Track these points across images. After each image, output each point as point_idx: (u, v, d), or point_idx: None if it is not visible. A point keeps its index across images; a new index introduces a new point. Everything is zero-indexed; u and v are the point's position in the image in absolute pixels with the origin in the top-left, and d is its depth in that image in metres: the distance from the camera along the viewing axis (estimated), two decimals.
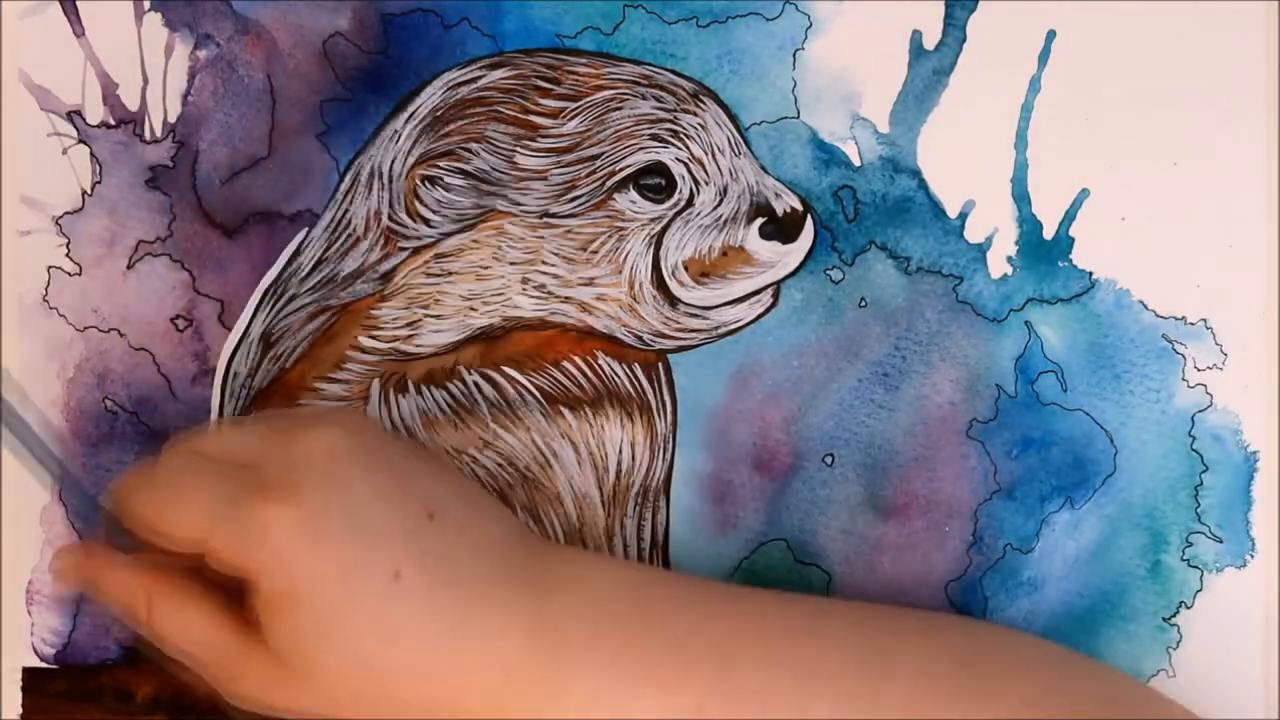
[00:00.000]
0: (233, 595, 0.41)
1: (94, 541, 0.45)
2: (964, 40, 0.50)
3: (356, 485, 0.41)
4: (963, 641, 0.45)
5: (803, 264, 0.49)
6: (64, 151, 0.50)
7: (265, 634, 0.41)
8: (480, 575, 0.42)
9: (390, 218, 0.49)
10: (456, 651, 0.41)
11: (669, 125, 0.49)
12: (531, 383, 0.49)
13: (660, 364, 0.50)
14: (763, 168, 0.49)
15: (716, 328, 0.49)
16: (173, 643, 0.42)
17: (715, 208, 0.49)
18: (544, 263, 0.49)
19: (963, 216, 0.50)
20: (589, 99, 0.49)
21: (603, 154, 0.48)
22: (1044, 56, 0.50)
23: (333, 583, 0.40)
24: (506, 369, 0.49)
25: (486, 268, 0.49)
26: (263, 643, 0.41)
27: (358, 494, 0.41)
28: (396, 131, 0.49)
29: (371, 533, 0.40)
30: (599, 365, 0.49)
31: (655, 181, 0.48)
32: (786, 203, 0.49)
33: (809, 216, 0.49)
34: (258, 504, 0.40)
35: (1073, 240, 0.50)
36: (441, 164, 0.48)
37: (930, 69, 0.50)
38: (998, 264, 0.50)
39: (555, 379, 0.49)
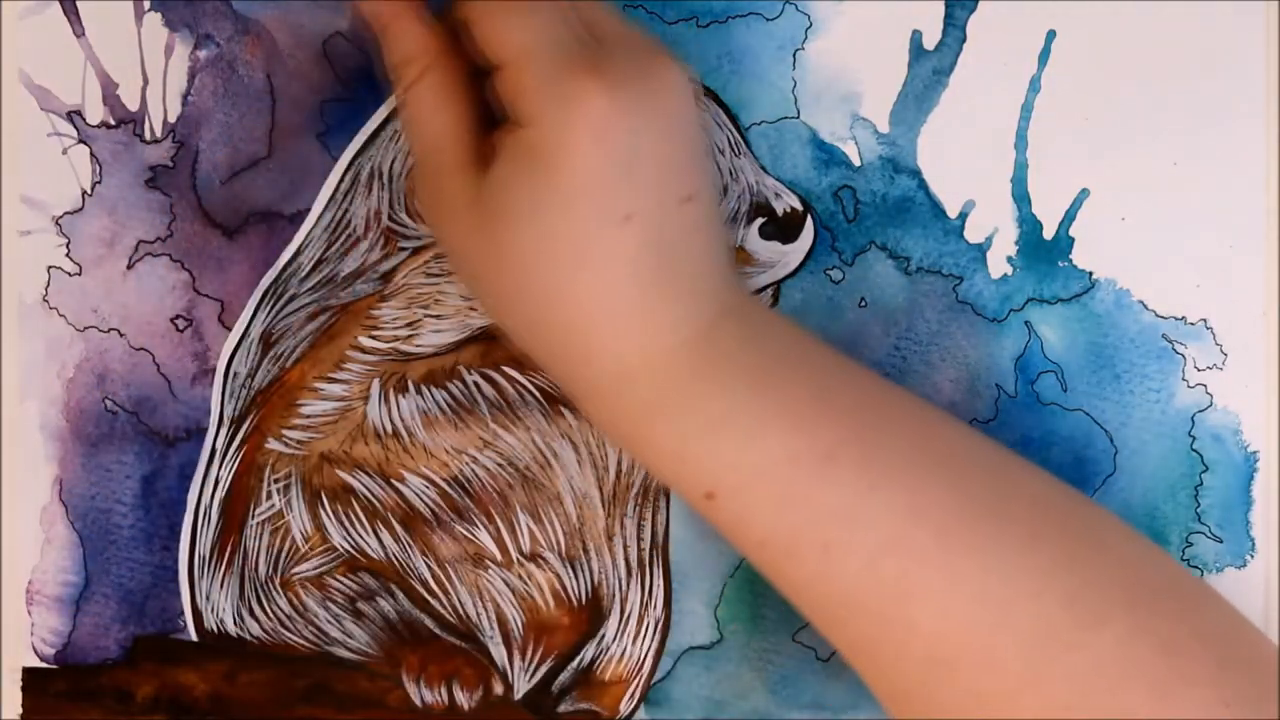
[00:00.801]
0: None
1: None
2: (964, 40, 0.50)
3: (670, 134, 0.41)
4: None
5: (803, 264, 0.49)
6: (64, 151, 0.50)
7: (496, 170, 0.41)
8: (688, 271, 0.42)
9: (390, 218, 0.49)
10: (625, 316, 0.41)
11: None
12: (531, 383, 0.49)
13: None
14: (763, 168, 0.49)
15: None
16: (419, 118, 0.43)
17: None
18: None
19: (963, 216, 0.50)
20: None
21: None
22: (1044, 56, 0.50)
23: (590, 180, 0.40)
24: (506, 369, 0.49)
25: None
26: (482, 174, 0.42)
27: (665, 140, 0.41)
28: (397, 131, 0.49)
29: (645, 175, 0.41)
30: None
31: None
32: (786, 203, 0.49)
33: (809, 216, 0.49)
34: (593, 74, 0.40)
35: (1073, 240, 0.50)
36: None
37: (930, 69, 0.50)
38: (998, 264, 0.50)
39: None
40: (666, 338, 0.42)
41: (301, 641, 0.50)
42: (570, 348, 0.42)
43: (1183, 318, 0.50)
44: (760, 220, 0.49)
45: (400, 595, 0.49)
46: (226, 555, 0.50)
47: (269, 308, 0.49)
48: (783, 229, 0.49)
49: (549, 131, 0.40)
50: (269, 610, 0.49)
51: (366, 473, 0.49)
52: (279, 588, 0.49)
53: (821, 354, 0.44)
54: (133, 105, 0.50)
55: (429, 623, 0.49)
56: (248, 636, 0.50)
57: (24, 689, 0.50)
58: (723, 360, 0.42)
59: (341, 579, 0.49)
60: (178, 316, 0.50)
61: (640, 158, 0.41)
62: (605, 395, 0.43)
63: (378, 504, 0.49)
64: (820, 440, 0.41)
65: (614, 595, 0.50)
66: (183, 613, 0.50)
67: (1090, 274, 0.50)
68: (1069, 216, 0.50)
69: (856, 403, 0.43)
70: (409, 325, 0.49)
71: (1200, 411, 0.50)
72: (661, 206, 0.41)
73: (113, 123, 0.50)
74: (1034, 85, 0.49)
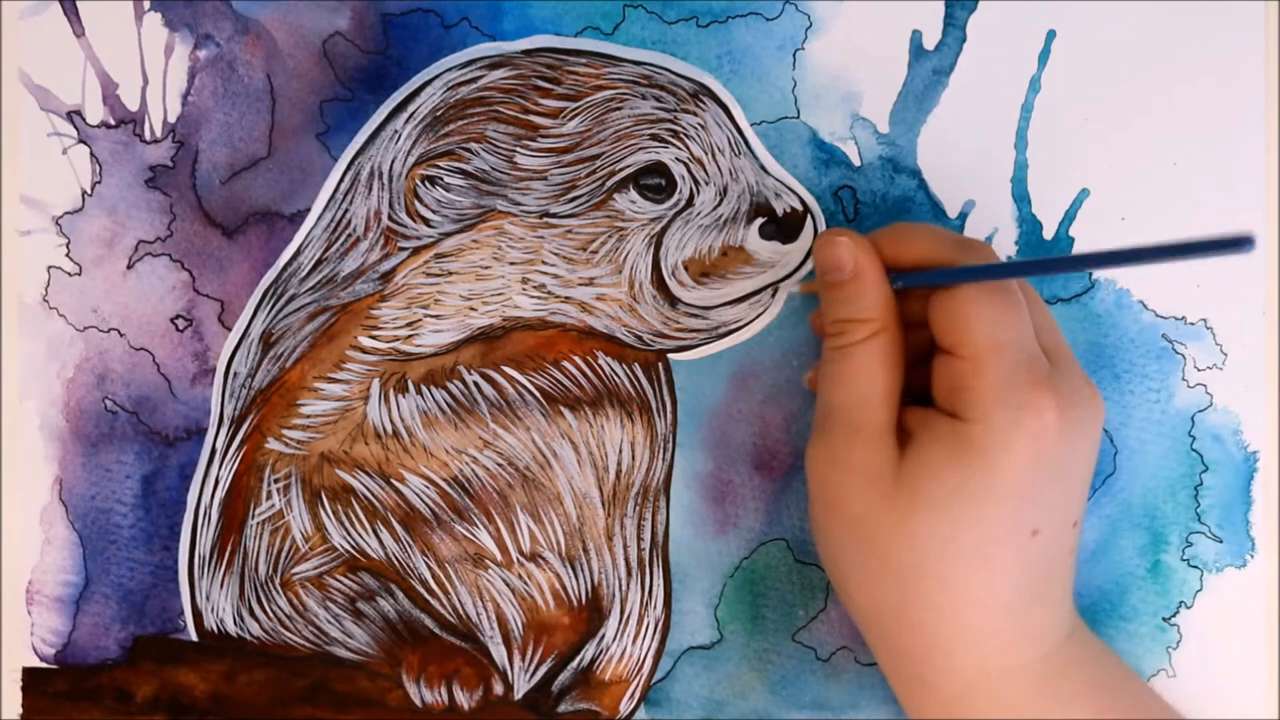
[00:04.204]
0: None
1: (858, 234, 0.45)
2: (964, 40, 0.50)
3: (1088, 461, 0.43)
4: None
5: (802, 264, 0.49)
6: (64, 151, 0.50)
7: (922, 451, 0.42)
8: (1059, 591, 0.44)
9: (390, 218, 0.49)
10: (1003, 623, 0.42)
11: (669, 125, 0.49)
12: (531, 383, 0.49)
13: (660, 364, 0.50)
14: (762, 168, 0.49)
15: (716, 328, 0.49)
16: (851, 376, 0.43)
17: (715, 208, 0.49)
18: (544, 263, 0.49)
19: (963, 216, 0.50)
20: (589, 99, 0.49)
21: (603, 154, 0.48)
22: (1044, 56, 0.50)
23: (1021, 488, 0.41)
24: (506, 369, 0.49)
25: (486, 268, 0.49)
26: (896, 445, 0.42)
27: (1083, 465, 0.43)
28: (396, 131, 0.49)
29: (1060, 495, 0.42)
30: (599, 365, 0.49)
31: (655, 181, 0.48)
32: (786, 203, 0.49)
33: (809, 216, 0.49)
34: (1050, 389, 0.41)
35: (1073, 240, 0.50)
36: (441, 164, 0.48)
37: (930, 69, 0.50)
38: None
39: (555, 379, 0.49)
40: (1029, 650, 0.43)
41: (301, 641, 0.50)
42: (934, 640, 0.43)
43: (1183, 318, 0.50)
44: (760, 220, 0.49)
45: (400, 595, 0.49)
46: (226, 555, 0.50)
47: (269, 308, 0.49)
48: (783, 229, 0.49)
49: (995, 433, 0.41)
50: (269, 610, 0.49)
51: (366, 473, 0.49)
52: (279, 588, 0.49)
53: (1129, 679, 0.46)
54: (133, 105, 0.50)
55: (429, 623, 0.49)
56: (248, 636, 0.50)
57: (24, 689, 0.50)
58: (1066, 681, 0.43)
59: (341, 579, 0.49)
60: (178, 316, 0.50)
61: (1063, 478, 0.42)
62: (943, 695, 0.43)
63: (378, 504, 0.49)
64: None
65: (614, 595, 0.50)
66: (183, 613, 0.50)
67: (1090, 274, 0.50)
68: (1069, 216, 0.50)
69: None
70: (409, 325, 0.49)
71: (1200, 411, 0.50)
72: (1060, 526, 0.42)
73: (113, 123, 0.50)
74: (1034, 85, 0.50)
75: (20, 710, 0.49)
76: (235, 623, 0.50)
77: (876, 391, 0.43)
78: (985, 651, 0.42)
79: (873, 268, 0.44)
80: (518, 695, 0.50)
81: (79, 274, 0.50)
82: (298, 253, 0.49)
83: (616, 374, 0.49)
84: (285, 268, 0.49)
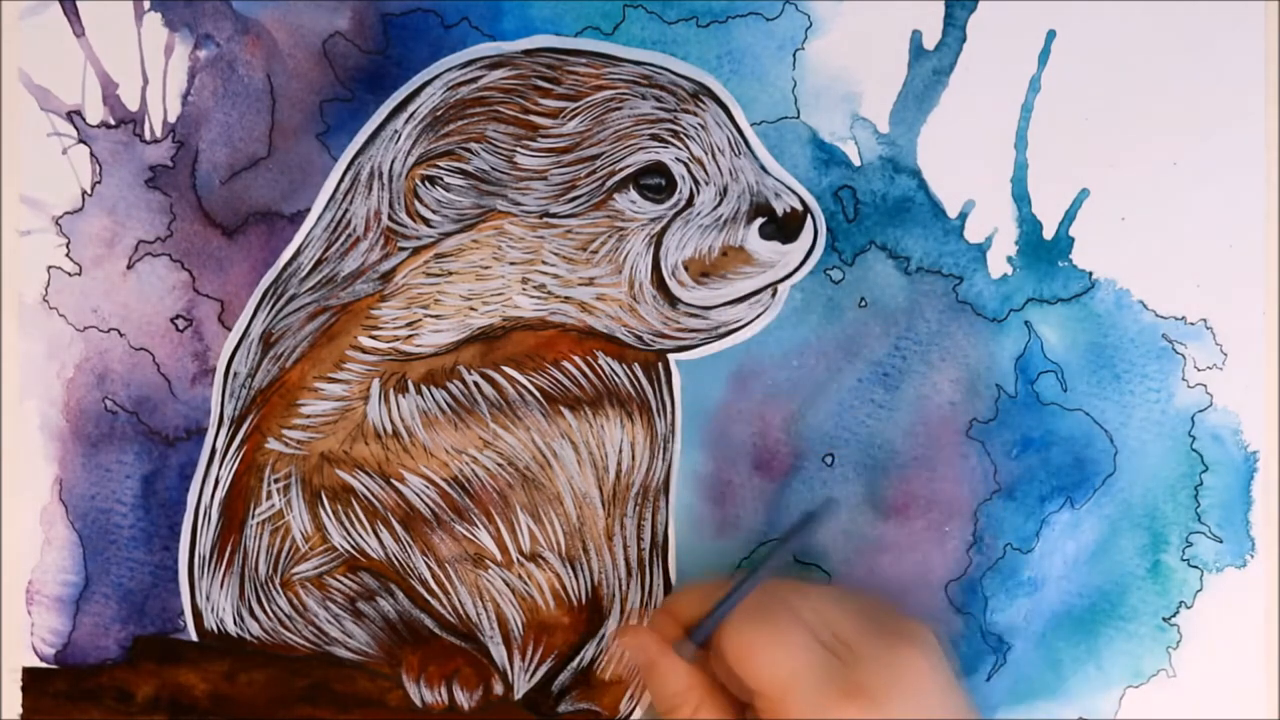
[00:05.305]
0: None
1: (653, 630, 0.46)
2: (964, 40, 0.50)
3: (932, 703, 0.43)
4: None
5: (803, 263, 0.49)
6: (64, 151, 0.50)
7: None
8: None
9: (390, 218, 0.49)
10: None
11: (669, 125, 0.49)
12: (531, 383, 0.49)
13: (660, 364, 0.50)
14: (762, 168, 0.49)
15: (716, 328, 0.49)
16: None
17: (715, 208, 0.49)
18: (544, 263, 0.49)
19: (963, 216, 0.50)
20: (589, 99, 0.49)
21: (603, 154, 0.48)
22: (1044, 56, 0.50)
23: None
24: (506, 369, 0.49)
25: (486, 268, 0.49)
26: None
27: (928, 710, 0.43)
28: (396, 131, 0.49)
29: None
30: (599, 365, 0.49)
31: (655, 181, 0.48)
32: (786, 203, 0.49)
33: (809, 216, 0.49)
34: (851, 697, 0.42)
35: (1073, 240, 0.50)
36: (441, 164, 0.48)
37: (930, 69, 0.50)
38: (998, 264, 0.50)
39: (555, 379, 0.49)
40: None
41: (301, 641, 0.50)
42: None
43: (1183, 318, 0.50)
44: (760, 220, 0.49)
45: (400, 595, 0.49)
46: (226, 555, 0.50)
47: (269, 308, 0.49)
48: (783, 229, 0.49)
49: None
50: (269, 610, 0.49)
51: (366, 473, 0.49)
52: (279, 588, 0.49)
53: None
54: (133, 105, 0.50)
55: (429, 623, 0.49)
56: (248, 636, 0.50)
57: (24, 689, 0.50)
58: None
59: (341, 579, 0.49)
60: (178, 316, 0.50)
61: None
62: None
63: (378, 504, 0.49)
64: None
65: (614, 595, 0.50)
66: (183, 613, 0.50)
67: (1090, 274, 0.50)
68: (1069, 216, 0.50)
69: None
70: (409, 325, 0.49)
71: (1200, 411, 0.50)
72: None
73: (113, 123, 0.50)
74: (1034, 85, 0.50)
75: (20, 710, 0.49)
76: (235, 623, 0.50)
77: None
78: None
79: (660, 655, 0.45)
80: (518, 695, 0.50)
81: (79, 274, 0.50)
82: (298, 253, 0.49)
83: (616, 374, 0.49)
84: (285, 268, 0.49)
